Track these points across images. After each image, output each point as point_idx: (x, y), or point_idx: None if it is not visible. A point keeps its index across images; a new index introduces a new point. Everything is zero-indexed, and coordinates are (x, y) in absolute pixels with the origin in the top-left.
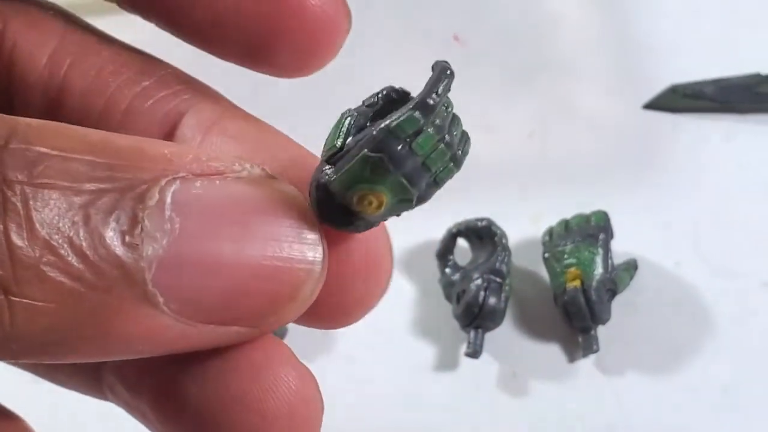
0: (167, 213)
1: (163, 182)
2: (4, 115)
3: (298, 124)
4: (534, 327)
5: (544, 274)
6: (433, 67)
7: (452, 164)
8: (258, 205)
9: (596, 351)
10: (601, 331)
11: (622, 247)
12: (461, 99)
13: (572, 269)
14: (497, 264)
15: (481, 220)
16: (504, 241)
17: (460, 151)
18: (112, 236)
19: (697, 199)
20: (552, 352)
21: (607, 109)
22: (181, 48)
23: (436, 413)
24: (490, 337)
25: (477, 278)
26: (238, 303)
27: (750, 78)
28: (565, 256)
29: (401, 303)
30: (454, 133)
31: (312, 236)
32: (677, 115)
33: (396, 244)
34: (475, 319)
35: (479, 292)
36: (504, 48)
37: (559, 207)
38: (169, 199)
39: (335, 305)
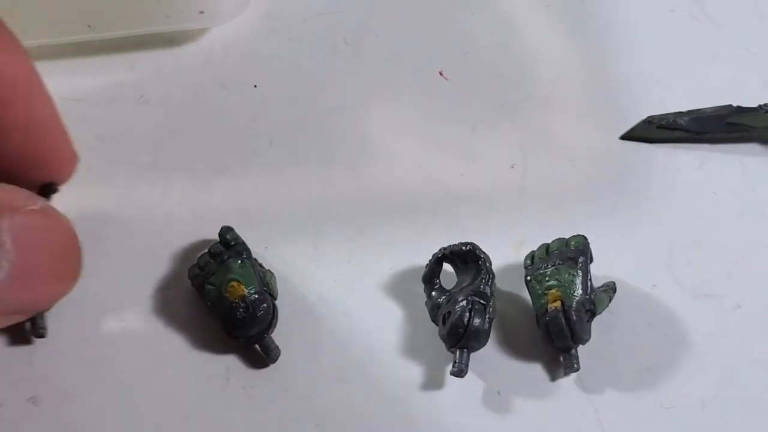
0: (6, 245)
1: (2, 220)
2: None
3: (297, 159)
4: (517, 347)
5: (527, 297)
6: None
7: None
8: (59, 229)
9: (577, 370)
10: (582, 351)
11: (601, 271)
12: (447, 131)
13: (553, 291)
14: (481, 286)
15: (466, 244)
16: (488, 264)
17: None
18: None
19: (673, 225)
20: (534, 371)
21: (585, 141)
22: None
23: (423, 430)
24: (474, 357)
25: (462, 300)
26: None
27: (722, 109)
28: (546, 278)
29: (389, 325)
30: None
31: None
32: (652, 145)
33: (384, 269)
34: (461, 339)
35: (464, 313)
36: (486, 83)
37: (540, 234)
38: (7, 234)
39: None
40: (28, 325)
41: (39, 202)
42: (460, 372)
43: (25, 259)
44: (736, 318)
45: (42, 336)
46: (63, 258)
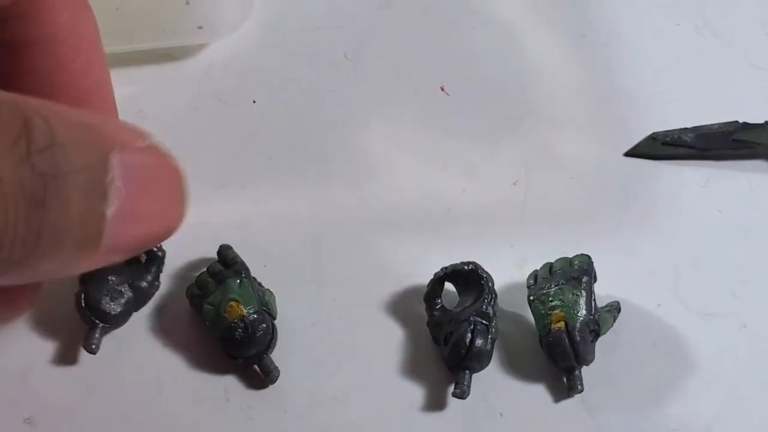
0: (117, 182)
1: (113, 156)
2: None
3: (296, 175)
4: (520, 368)
5: (530, 316)
6: None
7: None
8: (168, 172)
9: (581, 391)
10: (586, 372)
11: (605, 290)
12: (448, 147)
13: (557, 311)
14: (484, 306)
15: (467, 263)
16: (490, 284)
17: None
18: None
19: (678, 243)
20: (537, 392)
21: (588, 157)
22: None
23: None
24: (477, 378)
25: (464, 321)
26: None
27: (727, 125)
28: (550, 298)
29: (390, 345)
30: None
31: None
32: (657, 162)
33: (384, 288)
34: (463, 360)
35: (466, 334)
36: (488, 98)
37: (543, 253)
38: (117, 170)
39: None
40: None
41: (147, 140)
42: (462, 393)
43: (134, 197)
44: (742, 338)
45: (92, 352)
46: (169, 197)
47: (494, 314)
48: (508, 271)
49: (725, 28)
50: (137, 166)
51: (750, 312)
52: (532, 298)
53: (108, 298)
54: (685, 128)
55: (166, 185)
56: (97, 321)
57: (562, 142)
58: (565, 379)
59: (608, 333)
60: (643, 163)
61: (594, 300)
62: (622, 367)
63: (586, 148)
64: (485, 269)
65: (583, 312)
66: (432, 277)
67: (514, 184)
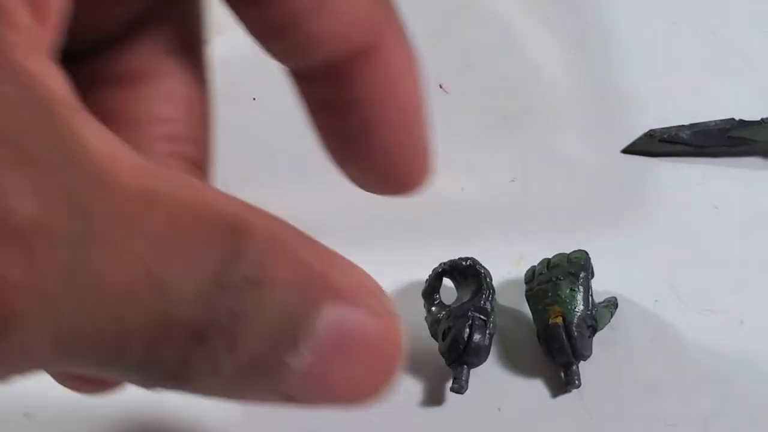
0: (317, 336)
1: (324, 307)
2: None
3: (295, 173)
4: (518, 363)
5: (527, 312)
6: None
7: None
8: (385, 346)
9: (578, 386)
10: (583, 367)
11: (602, 286)
12: (446, 145)
13: (554, 307)
14: (482, 302)
15: (466, 259)
16: (488, 279)
17: None
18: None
19: (675, 240)
20: (535, 387)
21: (586, 154)
22: None
23: None
24: (475, 373)
25: (462, 316)
26: (343, 404)
27: (724, 123)
28: (548, 293)
29: None
30: None
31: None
32: (654, 159)
33: (383, 284)
34: (461, 355)
35: (464, 329)
36: (487, 96)
37: (540, 248)
38: (322, 323)
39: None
40: None
41: (374, 297)
42: (460, 388)
43: (331, 358)
44: (739, 334)
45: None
46: (376, 369)
47: (492, 309)
48: (506, 266)
49: (722, 26)
50: (350, 325)
51: (747, 308)
52: (529, 293)
53: None
54: (682, 125)
55: (378, 355)
56: None
57: (559, 139)
58: (562, 374)
59: (605, 329)
60: (641, 160)
61: (591, 296)
62: (620, 363)
63: (584, 145)
64: (483, 265)
65: (580, 308)
66: (431, 273)
67: (512, 181)
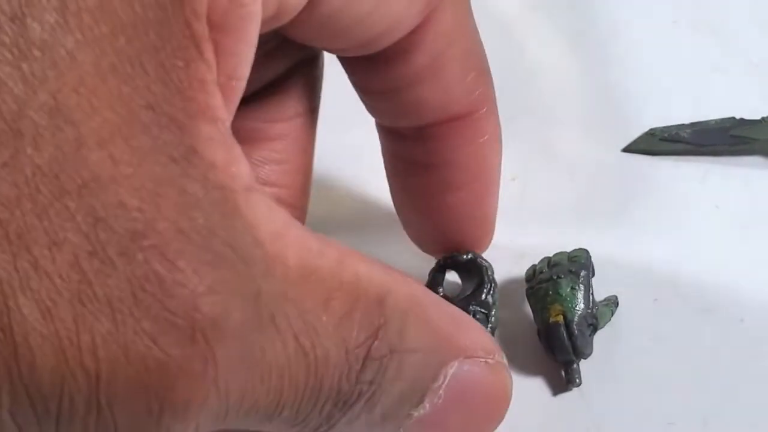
0: (441, 389)
1: (451, 366)
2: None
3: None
4: (518, 361)
5: (528, 310)
6: None
7: None
8: (497, 395)
9: (579, 384)
10: (583, 365)
11: (603, 285)
12: None
13: (555, 305)
14: (483, 295)
15: (467, 253)
16: (490, 273)
17: None
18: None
19: (675, 238)
20: (535, 385)
21: (586, 153)
22: None
23: None
24: None
25: (462, 310)
26: None
27: (725, 121)
28: (548, 292)
29: None
30: None
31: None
32: (655, 158)
33: None
34: None
35: None
36: None
37: (541, 247)
38: (447, 379)
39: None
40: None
41: (493, 356)
42: None
43: (449, 409)
44: (740, 332)
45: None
46: (486, 418)
47: (494, 303)
48: (507, 265)
49: (722, 25)
50: (470, 379)
51: (747, 307)
52: (530, 292)
53: None
54: (683, 124)
55: (489, 406)
56: None
57: (559, 137)
58: (562, 373)
59: (606, 327)
60: (641, 158)
61: (592, 294)
62: (620, 361)
63: (584, 144)
64: (485, 258)
65: (581, 306)
66: (434, 266)
67: (513, 179)
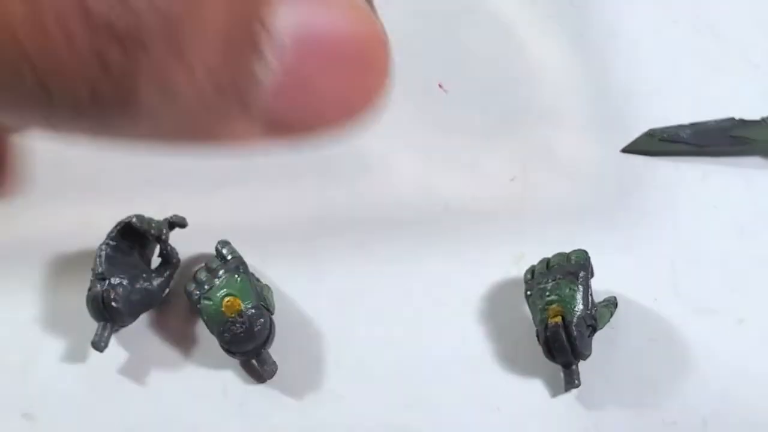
0: (281, 39)
1: (279, 8)
2: None
3: (295, 172)
4: (517, 363)
5: (527, 311)
6: None
7: None
8: (355, 41)
9: (578, 386)
10: (583, 366)
11: (602, 285)
12: (447, 145)
13: (554, 306)
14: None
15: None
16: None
17: None
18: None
19: (674, 239)
20: (535, 387)
21: (586, 153)
22: None
23: None
24: (473, 372)
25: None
26: (326, 124)
27: (724, 122)
28: (547, 293)
29: (387, 340)
30: None
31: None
32: (654, 159)
33: (381, 283)
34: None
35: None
36: (486, 95)
37: (540, 248)
38: (282, 25)
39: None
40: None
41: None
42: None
43: (304, 68)
44: (739, 333)
45: (100, 350)
46: (360, 80)
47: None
48: (506, 266)
49: (722, 26)
50: (320, 27)
51: (746, 307)
52: (529, 293)
53: (120, 297)
54: (682, 125)
55: (360, 62)
56: (108, 319)
57: (559, 138)
58: (562, 374)
59: (605, 328)
60: (641, 159)
61: (591, 295)
62: (619, 362)
63: (584, 145)
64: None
65: (580, 307)
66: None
67: (512, 180)
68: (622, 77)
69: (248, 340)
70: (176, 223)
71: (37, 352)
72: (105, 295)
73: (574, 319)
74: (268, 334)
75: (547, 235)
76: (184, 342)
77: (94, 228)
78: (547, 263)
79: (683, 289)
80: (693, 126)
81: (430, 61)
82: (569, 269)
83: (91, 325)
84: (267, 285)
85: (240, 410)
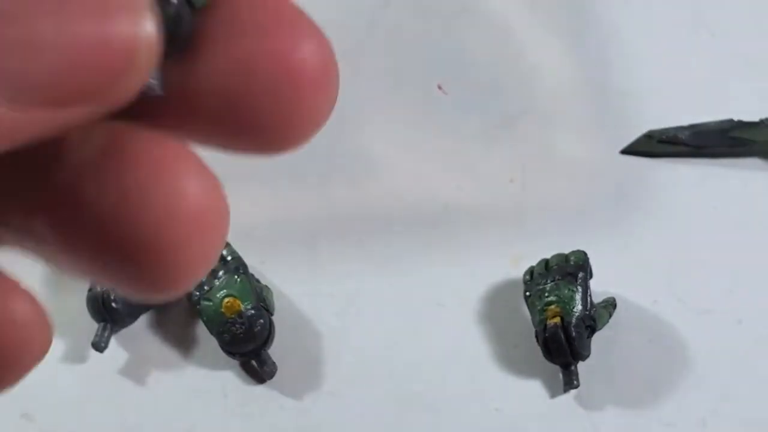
0: None
1: None
2: None
3: (294, 173)
4: (516, 363)
5: (526, 312)
6: None
7: None
8: None
9: (576, 386)
10: (582, 367)
11: (601, 287)
12: (445, 145)
13: (552, 307)
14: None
15: None
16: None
17: None
18: None
19: (673, 240)
20: (534, 387)
21: (585, 155)
22: None
23: None
24: (472, 372)
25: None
26: (69, 81)
27: (723, 123)
28: (546, 294)
29: (387, 340)
30: None
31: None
32: (653, 160)
33: (381, 283)
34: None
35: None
36: (485, 97)
37: (539, 249)
38: None
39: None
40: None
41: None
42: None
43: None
44: (738, 333)
45: (100, 350)
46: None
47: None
48: (504, 267)
49: (721, 27)
50: None
51: (745, 308)
52: (528, 294)
53: (120, 298)
54: (682, 126)
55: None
56: (107, 319)
57: (558, 139)
58: (561, 375)
59: (604, 329)
60: (640, 160)
61: (590, 296)
62: (618, 363)
63: (583, 146)
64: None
65: (578, 307)
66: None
67: (511, 181)
68: (621, 79)
69: (248, 340)
70: None
71: None
72: (105, 295)
73: (573, 320)
74: (267, 335)
75: (546, 236)
76: (184, 343)
77: None
78: (546, 264)
79: (682, 290)
80: (692, 127)
81: (429, 63)
82: (568, 270)
83: (91, 326)
84: (267, 286)
85: (240, 410)
